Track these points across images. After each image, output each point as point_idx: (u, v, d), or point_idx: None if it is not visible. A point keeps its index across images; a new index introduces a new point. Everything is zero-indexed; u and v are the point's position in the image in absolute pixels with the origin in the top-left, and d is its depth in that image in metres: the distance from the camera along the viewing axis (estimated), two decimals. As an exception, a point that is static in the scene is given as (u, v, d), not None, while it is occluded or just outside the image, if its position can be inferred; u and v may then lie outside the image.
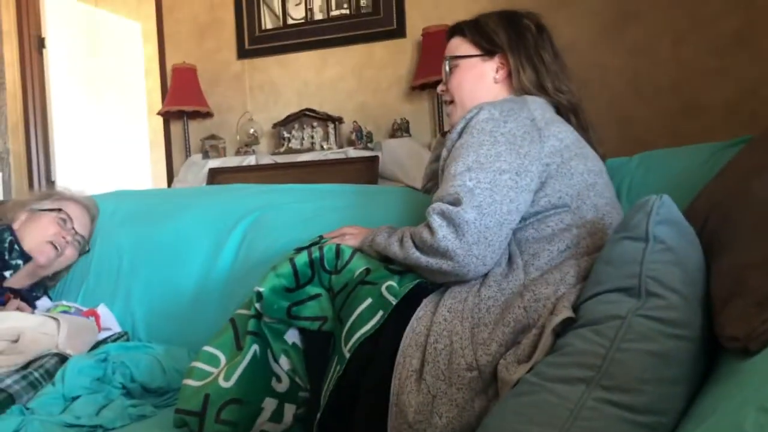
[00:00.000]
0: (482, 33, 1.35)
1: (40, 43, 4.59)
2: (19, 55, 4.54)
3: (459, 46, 1.38)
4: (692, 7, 3.19)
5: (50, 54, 4.61)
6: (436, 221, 1.07)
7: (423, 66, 3.50)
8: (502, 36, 1.32)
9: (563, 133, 1.19)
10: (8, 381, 1.27)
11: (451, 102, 1.39)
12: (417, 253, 1.10)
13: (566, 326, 0.92)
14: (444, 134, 1.63)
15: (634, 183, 1.42)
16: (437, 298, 1.10)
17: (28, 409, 1.23)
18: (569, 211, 1.13)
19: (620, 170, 1.44)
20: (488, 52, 1.34)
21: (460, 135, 1.20)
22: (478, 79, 1.34)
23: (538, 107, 1.22)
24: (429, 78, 3.41)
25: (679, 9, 3.21)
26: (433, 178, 1.64)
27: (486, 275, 1.09)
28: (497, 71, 1.33)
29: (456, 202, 1.07)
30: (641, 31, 3.28)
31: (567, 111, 1.31)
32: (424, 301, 1.10)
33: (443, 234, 1.06)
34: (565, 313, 0.92)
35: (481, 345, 0.99)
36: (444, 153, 1.22)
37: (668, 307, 0.83)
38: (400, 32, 3.73)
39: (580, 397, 0.79)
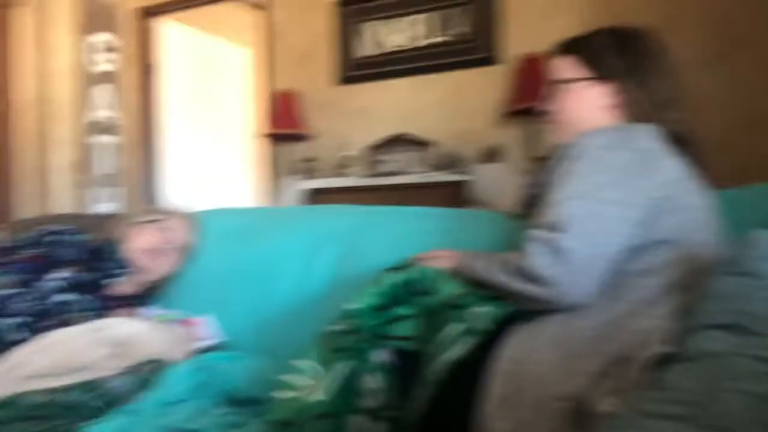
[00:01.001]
0: (594, 56, 1.27)
1: (155, 68, 4.90)
2: (137, 79, 4.86)
3: (568, 67, 1.30)
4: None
5: (164, 78, 4.90)
6: (536, 248, 1.06)
7: (517, 93, 3.49)
8: (617, 61, 1.25)
9: (673, 166, 1.14)
10: (116, 382, 1.35)
11: (555, 122, 1.34)
12: (513, 279, 1.09)
13: (664, 361, 0.89)
14: (543, 160, 1.61)
15: (741, 217, 1.35)
16: (530, 326, 1.08)
17: (132, 410, 1.30)
18: (674, 246, 1.09)
19: (728, 202, 1.36)
20: (601, 77, 1.27)
21: (567, 160, 1.16)
22: (588, 105, 1.28)
23: (650, 138, 1.16)
24: (522, 105, 3.39)
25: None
26: (528, 205, 1.62)
27: (583, 306, 1.06)
28: (609, 97, 1.26)
29: (558, 230, 1.05)
30: (749, 58, 3.14)
31: (679, 141, 1.23)
32: (516, 328, 1.09)
33: (542, 261, 1.04)
34: (663, 347, 0.89)
35: (573, 375, 0.97)
36: (546, 178, 1.20)
37: (774, 347, 0.79)
38: (494, 59, 3.74)
39: (677, 434, 0.77)
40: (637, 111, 1.23)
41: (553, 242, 1.04)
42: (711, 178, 1.27)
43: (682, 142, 1.24)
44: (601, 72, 1.27)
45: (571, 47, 1.32)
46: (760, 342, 0.80)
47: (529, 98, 3.35)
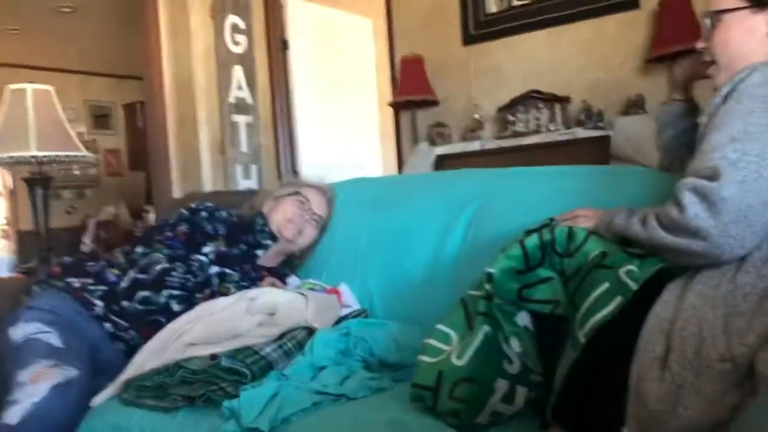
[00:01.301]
0: None
1: (284, 46, 5.04)
2: (268, 57, 5.03)
3: None
4: None
5: (292, 55, 5.04)
6: (688, 197, 0.98)
7: (660, 37, 3.24)
8: None
9: None
10: (267, 350, 1.42)
11: (713, 62, 1.24)
12: (663, 233, 1.02)
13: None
14: (665, 104, 1.48)
15: None
16: (684, 283, 1.01)
17: (283, 375, 1.37)
18: None
19: None
20: (760, 3, 1.16)
21: (725, 100, 1.07)
22: (748, 36, 1.18)
23: None
24: (667, 50, 3.15)
25: None
26: (669, 152, 1.51)
27: (743, 259, 0.98)
28: None
29: (713, 177, 0.97)
30: None
31: None
32: (669, 285, 1.02)
33: (695, 211, 0.97)
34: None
35: (736, 335, 0.89)
36: (704, 119, 1.10)
37: None
38: (633, 4, 3.50)
39: None
40: None
41: (707, 191, 0.96)
42: None
43: None
44: None
45: None
46: None
47: (673, 42, 3.10)
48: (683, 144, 1.47)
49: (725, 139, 1.00)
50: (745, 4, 1.17)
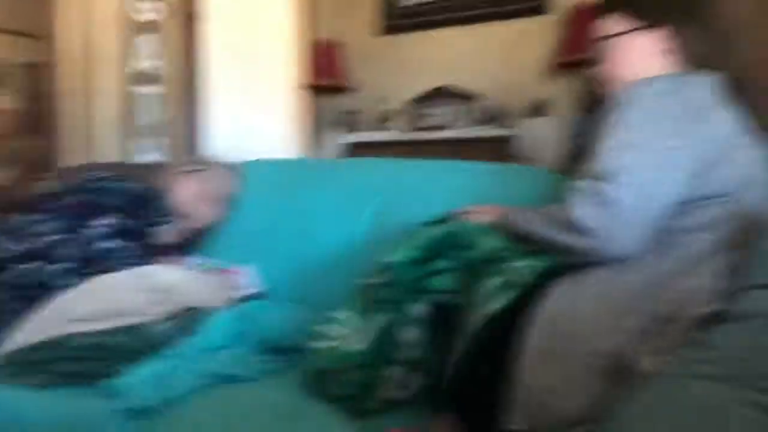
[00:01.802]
0: (638, 5, 1.25)
1: (198, 18, 4.89)
2: (180, 29, 4.86)
3: (614, 21, 1.28)
4: None
5: (206, 28, 4.89)
6: (580, 198, 1.04)
7: (567, 44, 3.38)
8: (663, 6, 1.22)
9: (727, 117, 1.10)
10: (159, 328, 1.38)
11: (607, 84, 1.30)
12: (555, 231, 1.08)
13: (710, 320, 0.86)
14: (577, 112, 1.57)
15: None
16: (572, 280, 1.06)
17: (174, 355, 1.33)
18: (728, 201, 1.05)
19: None
20: (649, 25, 1.23)
21: (617, 109, 1.13)
22: (640, 55, 1.25)
23: (705, 86, 1.13)
24: (573, 57, 3.29)
25: None
26: (571, 158, 1.58)
27: (628, 259, 1.04)
28: (660, 44, 1.23)
29: (604, 180, 1.03)
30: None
31: (733, 88, 1.19)
32: (558, 281, 1.07)
33: (586, 211, 1.02)
34: (711, 306, 0.87)
35: (616, 332, 0.95)
36: (597, 127, 1.16)
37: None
38: (544, 8, 3.62)
39: (723, 396, 0.75)
40: (689, 56, 1.20)
41: (599, 192, 1.02)
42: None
43: (738, 89, 1.20)
44: (647, 19, 1.23)
45: (614, 2, 1.29)
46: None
47: (578, 50, 3.24)
48: (584, 153, 1.54)
49: (616, 144, 1.06)
50: (637, 27, 1.24)
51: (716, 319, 0.86)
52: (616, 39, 1.27)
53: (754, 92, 1.23)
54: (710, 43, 1.20)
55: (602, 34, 1.30)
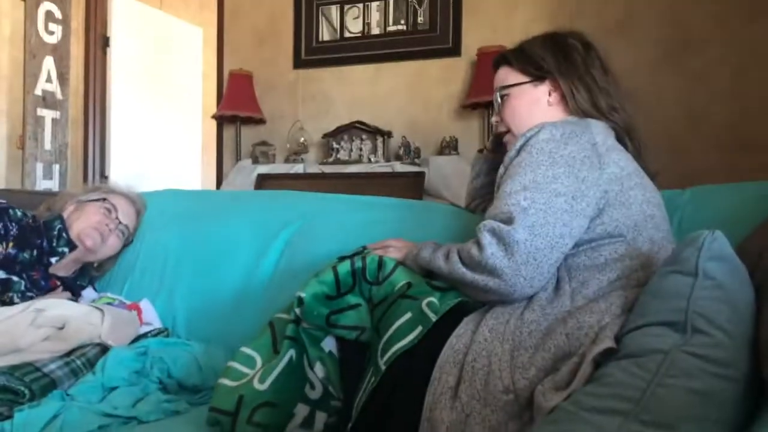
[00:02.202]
0: (529, 59, 1.33)
1: (105, 42, 4.75)
2: (85, 52, 4.70)
3: (507, 75, 1.37)
4: (753, 40, 3.13)
5: (113, 53, 4.76)
6: (486, 238, 1.06)
7: (476, 85, 3.51)
8: (550, 60, 1.31)
9: (624, 161, 1.17)
10: (52, 366, 1.30)
11: (507, 132, 1.38)
12: (463, 269, 1.09)
13: (607, 356, 0.90)
14: (481, 151, 1.63)
15: (686, 216, 1.39)
16: (478, 318, 1.09)
17: (68, 395, 1.26)
18: (624, 241, 1.11)
19: (672, 202, 1.40)
20: (538, 77, 1.32)
21: (518, 152, 1.18)
22: (532, 105, 1.33)
23: (601, 132, 1.20)
24: (481, 98, 3.41)
25: (740, 41, 3.15)
26: (477, 197, 1.63)
27: (531, 298, 1.08)
28: (550, 94, 1.32)
29: (508, 221, 1.06)
30: (700, 61, 3.23)
31: (622, 132, 1.28)
32: (465, 319, 1.09)
33: (492, 251, 1.05)
34: (607, 342, 0.90)
35: (520, 369, 0.97)
36: (501, 170, 1.21)
37: (714, 345, 0.81)
38: (455, 51, 3.75)
39: (617, 429, 0.78)
40: (581, 104, 1.27)
41: (503, 233, 1.05)
42: (657, 177, 1.31)
43: (626, 133, 1.29)
44: (537, 71, 1.32)
45: (506, 58, 1.38)
46: (701, 339, 0.82)
47: (486, 92, 3.36)
48: (489, 192, 1.59)
49: (518, 187, 1.10)
50: (527, 79, 1.33)
51: (613, 355, 0.89)
52: (509, 89, 1.35)
53: (641, 143, 1.32)
54: (597, 95, 1.28)
55: (497, 85, 1.39)
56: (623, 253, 1.10)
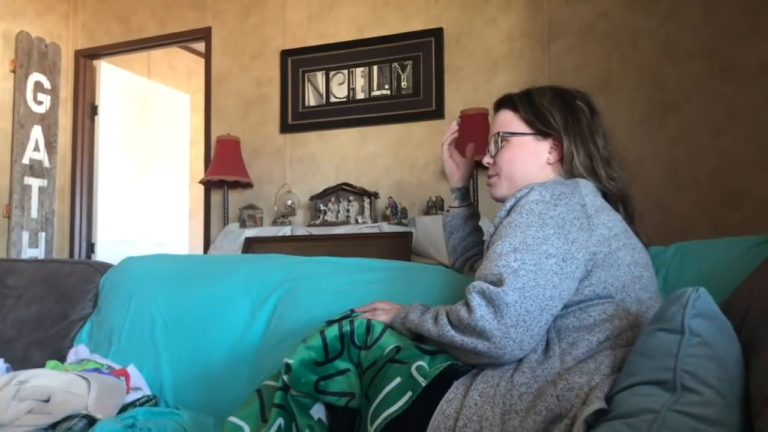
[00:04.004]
0: (537, 112, 1.32)
1: (93, 110, 4.81)
2: (73, 121, 4.76)
3: (511, 121, 1.35)
4: (732, 99, 3.22)
5: (101, 121, 4.81)
6: (476, 300, 1.06)
7: (460, 146, 3.54)
8: (558, 118, 1.30)
9: (612, 221, 1.17)
10: (36, 441, 1.27)
11: (496, 175, 1.37)
12: (452, 332, 1.08)
13: (598, 417, 0.89)
14: (448, 209, 1.64)
15: (670, 273, 1.40)
16: (468, 382, 1.08)
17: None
18: (613, 302, 1.11)
19: (656, 259, 1.40)
20: (543, 133, 1.32)
21: (508, 213, 1.18)
22: (531, 158, 1.32)
23: (590, 192, 1.21)
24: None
25: (719, 100, 3.24)
26: (458, 254, 1.64)
27: (521, 361, 1.07)
28: (550, 152, 1.32)
29: (498, 283, 1.06)
30: (680, 120, 3.31)
31: (616, 198, 1.29)
32: (455, 383, 1.08)
33: (481, 313, 1.04)
34: (598, 404, 0.90)
35: (514, 431, 0.96)
36: (491, 229, 1.21)
37: (704, 404, 0.81)
38: (438, 113, 3.82)
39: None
40: (579, 168, 1.28)
41: (492, 295, 1.04)
42: (644, 236, 1.32)
43: (620, 200, 1.29)
44: (542, 127, 1.31)
45: (514, 102, 1.36)
46: (691, 398, 0.82)
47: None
48: (470, 245, 1.61)
49: (508, 248, 1.10)
50: (531, 131, 1.33)
51: (604, 415, 0.89)
52: (513, 137, 1.34)
53: (632, 204, 1.32)
54: (597, 163, 1.28)
55: (499, 129, 1.37)
56: (612, 313, 1.10)
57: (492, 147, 1.38)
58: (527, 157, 1.33)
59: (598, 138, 1.30)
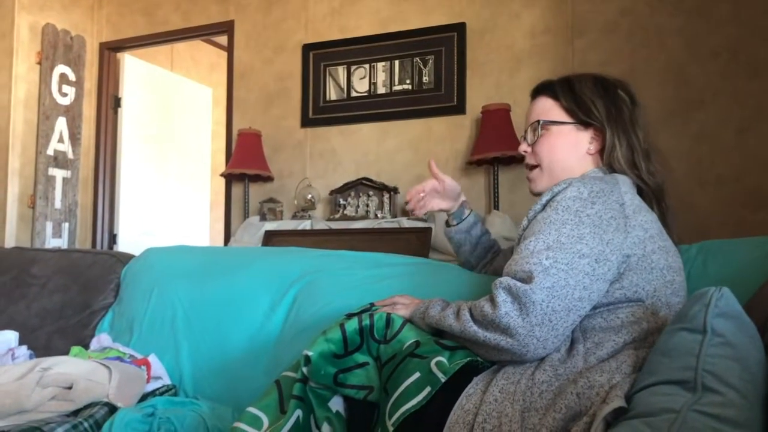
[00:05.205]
0: (579, 101, 1.29)
1: (116, 103, 4.86)
2: (96, 112, 4.81)
3: (551, 109, 1.32)
4: (758, 96, 3.17)
5: (124, 113, 4.86)
6: (501, 295, 1.04)
7: (481, 142, 3.54)
8: (600, 108, 1.27)
9: (649, 222, 1.15)
10: (59, 430, 1.28)
11: (535, 166, 1.34)
12: (475, 327, 1.07)
13: (618, 416, 0.89)
14: (448, 225, 1.61)
15: (693, 272, 1.38)
16: (489, 378, 1.07)
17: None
18: (642, 305, 1.09)
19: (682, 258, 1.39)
20: (584, 122, 1.29)
21: (543, 208, 1.16)
22: (572, 148, 1.30)
23: (628, 189, 1.18)
24: (486, 154, 3.44)
25: (745, 98, 3.20)
26: (473, 263, 1.63)
27: (543, 359, 1.05)
28: (591, 143, 1.29)
29: (527, 280, 1.04)
30: (704, 118, 3.27)
31: (651, 195, 1.26)
32: (475, 379, 1.07)
33: (506, 310, 1.03)
34: (617, 402, 0.89)
35: (530, 430, 0.95)
36: (525, 222, 1.19)
37: (725, 404, 0.80)
38: (459, 109, 3.81)
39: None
40: (620, 161, 1.25)
41: (520, 292, 1.03)
42: (675, 235, 1.29)
43: (657, 196, 1.27)
44: (584, 117, 1.29)
45: (554, 89, 1.33)
46: (712, 398, 0.81)
47: (491, 148, 3.40)
48: (482, 253, 1.59)
49: (542, 245, 1.08)
50: (572, 120, 1.30)
51: (623, 414, 0.88)
52: (553, 126, 1.31)
53: (668, 201, 1.29)
54: (638, 155, 1.26)
55: (537, 116, 1.34)
56: (640, 316, 1.08)
57: (530, 135, 1.35)
58: (568, 147, 1.30)
59: (639, 130, 1.28)
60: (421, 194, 1.56)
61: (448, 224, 1.62)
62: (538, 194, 1.33)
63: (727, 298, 0.89)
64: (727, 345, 0.85)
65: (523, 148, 1.36)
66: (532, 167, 1.36)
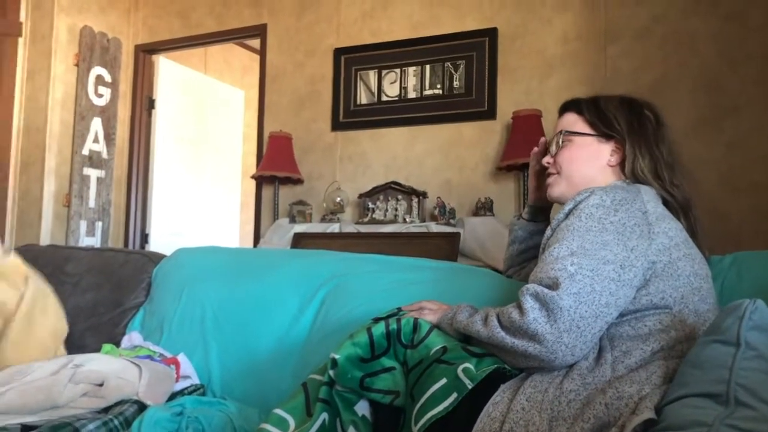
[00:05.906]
0: (602, 115, 1.32)
1: (150, 104, 4.93)
2: (131, 114, 4.89)
3: (575, 122, 1.35)
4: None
5: (158, 114, 4.94)
6: (529, 302, 1.05)
7: (511, 147, 3.53)
8: (623, 122, 1.30)
9: (674, 230, 1.15)
10: (90, 426, 1.31)
11: (556, 173, 1.36)
12: (503, 333, 1.07)
13: (647, 428, 0.88)
14: (518, 218, 1.61)
15: (726, 284, 1.36)
16: (516, 386, 1.07)
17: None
18: (670, 313, 1.09)
19: (712, 269, 1.35)
20: (606, 135, 1.31)
21: (567, 216, 1.17)
22: (593, 159, 1.32)
23: (651, 198, 1.19)
24: (516, 159, 3.43)
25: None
26: (514, 263, 1.62)
27: (571, 367, 1.05)
28: (612, 155, 1.31)
29: (553, 286, 1.04)
30: (737, 125, 3.21)
31: (678, 207, 1.26)
32: (502, 386, 1.07)
33: (534, 316, 1.03)
34: (647, 414, 0.88)
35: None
36: (548, 232, 1.20)
37: (758, 419, 0.78)
38: (490, 114, 3.79)
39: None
40: (638, 170, 1.26)
41: (547, 298, 1.03)
42: (707, 250, 1.29)
43: (682, 209, 1.27)
44: (605, 129, 1.31)
45: (580, 105, 1.36)
46: (745, 413, 0.80)
47: (520, 154, 3.38)
48: (530, 257, 1.58)
49: (566, 252, 1.08)
50: (594, 133, 1.32)
51: (653, 426, 0.87)
52: (573, 137, 1.34)
53: (694, 213, 1.29)
54: (661, 166, 1.27)
55: (562, 128, 1.37)
56: (668, 324, 1.08)
57: (553, 146, 1.37)
58: (588, 158, 1.32)
59: (662, 145, 1.29)
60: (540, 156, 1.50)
61: (520, 216, 1.61)
62: (555, 199, 1.36)
63: (762, 310, 0.88)
64: (761, 358, 0.84)
65: (546, 159, 1.40)
66: (553, 174, 1.38)
